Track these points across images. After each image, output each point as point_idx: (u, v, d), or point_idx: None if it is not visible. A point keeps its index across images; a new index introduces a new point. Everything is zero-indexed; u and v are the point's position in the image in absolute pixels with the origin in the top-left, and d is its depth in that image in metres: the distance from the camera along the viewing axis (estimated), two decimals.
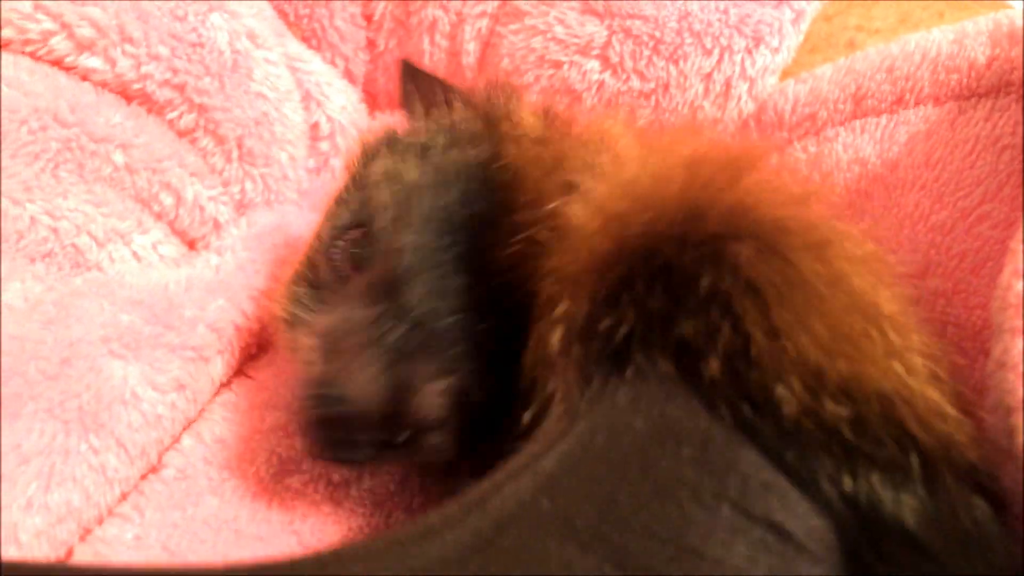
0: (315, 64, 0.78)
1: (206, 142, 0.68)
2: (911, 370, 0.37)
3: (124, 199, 0.64)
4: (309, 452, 0.50)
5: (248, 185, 0.72)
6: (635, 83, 0.70)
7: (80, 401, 0.51)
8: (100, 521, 0.51)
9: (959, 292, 0.53)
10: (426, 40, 0.79)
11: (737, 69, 0.68)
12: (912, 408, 0.35)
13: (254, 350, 0.64)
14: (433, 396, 0.45)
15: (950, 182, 0.56)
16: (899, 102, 0.61)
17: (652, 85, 0.70)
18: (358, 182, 0.56)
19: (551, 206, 0.45)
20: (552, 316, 0.40)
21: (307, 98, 0.77)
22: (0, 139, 0.58)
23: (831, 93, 0.64)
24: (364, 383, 0.45)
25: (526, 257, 0.45)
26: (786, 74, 0.70)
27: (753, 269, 0.36)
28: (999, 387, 0.40)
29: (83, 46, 0.61)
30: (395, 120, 0.67)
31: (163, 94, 0.64)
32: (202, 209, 0.69)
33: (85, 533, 0.50)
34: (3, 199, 0.58)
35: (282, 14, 0.78)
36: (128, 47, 0.62)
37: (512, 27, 0.75)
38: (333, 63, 0.81)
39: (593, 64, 0.71)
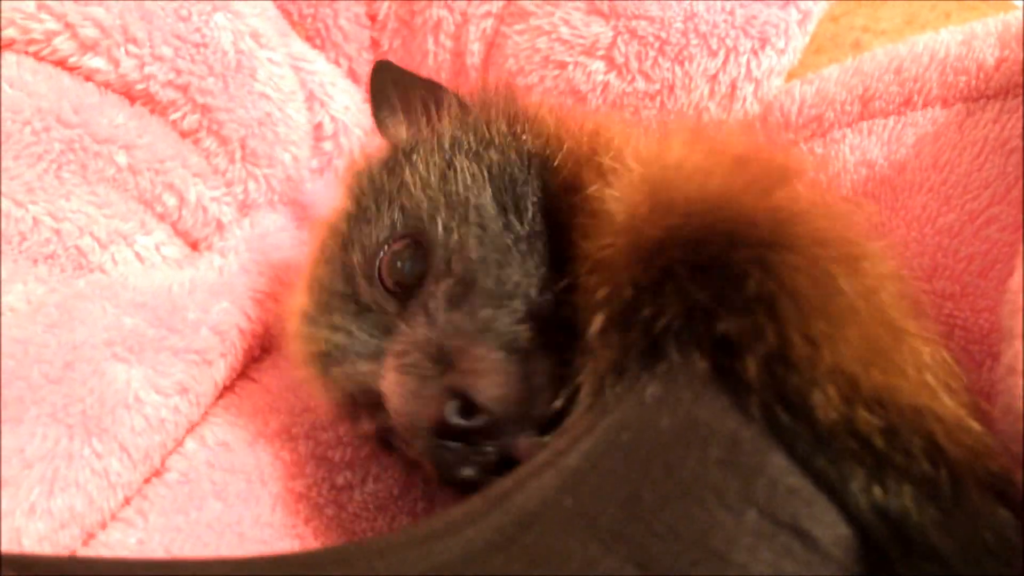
0: (319, 64, 0.78)
1: (209, 143, 0.68)
2: (941, 383, 0.37)
3: (127, 200, 0.64)
4: (439, 478, 0.48)
5: (251, 186, 0.71)
6: (640, 84, 0.70)
7: (83, 405, 0.51)
8: (103, 526, 0.51)
9: (966, 295, 0.53)
10: (430, 40, 0.78)
11: (743, 70, 0.67)
12: (942, 422, 0.35)
13: (257, 352, 0.64)
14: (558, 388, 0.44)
15: (958, 184, 0.55)
16: (907, 104, 0.60)
17: (657, 86, 0.70)
18: (383, 195, 0.52)
19: (591, 190, 0.45)
20: (594, 300, 0.40)
21: (311, 98, 0.77)
22: (3, 140, 0.58)
23: (838, 94, 0.64)
24: (498, 388, 0.43)
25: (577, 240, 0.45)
26: (792, 75, 0.70)
27: (798, 278, 0.36)
28: (1009, 392, 0.40)
29: (87, 46, 0.61)
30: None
31: (166, 95, 0.64)
32: (205, 210, 0.69)
33: (88, 538, 0.50)
34: (6, 200, 0.57)
35: (286, 14, 0.77)
36: (132, 47, 0.62)
37: (517, 27, 0.74)
38: (337, 63, 0.81)
39: (598, 65, 0.71)
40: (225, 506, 0.52)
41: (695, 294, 0.37)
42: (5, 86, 0.59)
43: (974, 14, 0.67)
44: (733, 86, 0.68)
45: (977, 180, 0.54)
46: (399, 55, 0.81)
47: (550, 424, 0.41)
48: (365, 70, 0.83)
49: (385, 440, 0.52)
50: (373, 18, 0.80)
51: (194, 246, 0.70)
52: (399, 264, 0.49)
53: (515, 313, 0.45)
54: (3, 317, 0.55)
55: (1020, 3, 0.68)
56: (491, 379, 0.43)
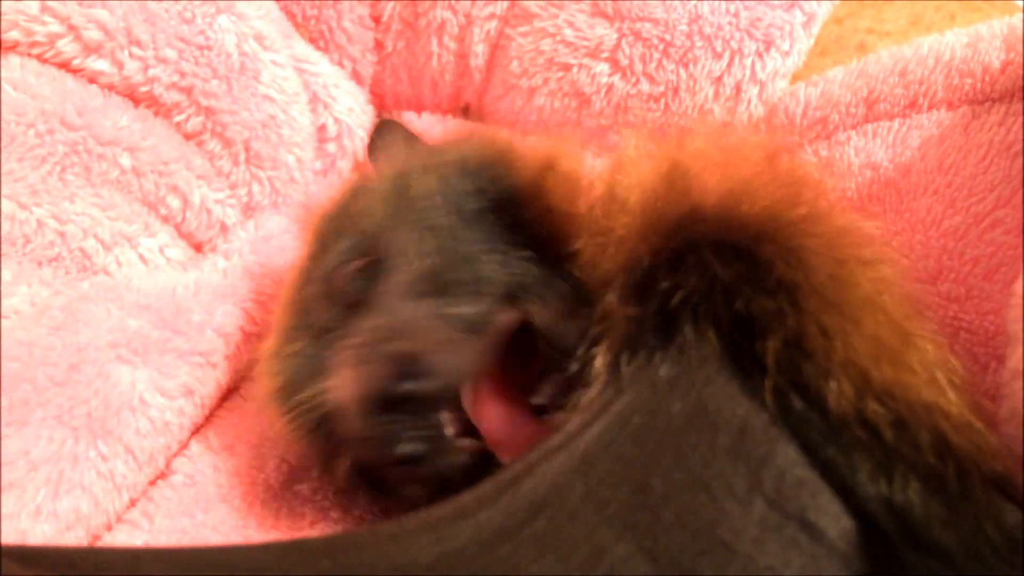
0: (322, 66, 0.78)
1: (213, 145, 0.68)
2: (949, 379, 0.37)
3: (131, 202, 0.64)
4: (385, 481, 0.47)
5: (255, 188, 0.71)
6: (644, 86, 0.70)
7: (88, 407, 0.51)
8: (108, 528, 0.51)
9: (971, 297, 0.53)
10: (434, 42, 0.78)
11: (747, 73, 0.67)
12: (949, 418, 0.35)
13: None
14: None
15: (963, 187, 0.55)
16: (912, 106, 0.60)
17: (661, 88, 0.70)
18: (335, 228, 0.52)
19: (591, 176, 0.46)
20: (611, 271, 0.40)
21: (314, 100, 0.77)
22: (7, 142, 0.58)
23: (843, 97, 0.64)
24: (453, 356, 0.43)
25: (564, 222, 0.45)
26: (796, 77, 0.70)
27: (819, 276, 0.37)
28: (1015, 396, 0.40)
29: (90, 49, 0.61)
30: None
31: (170, 97, 0.64)
32: (209, 212, 0.69)
33: (94, 540, 0.50)
34: (10, 203, 0.57)
35: (289, 15, 0.77)
36: (135, 50, 0.62)
37: (521, 29, 0.74)
38: (340, 64, 0.81)
39: (602, 67, 0.71)
40: (231, 509, 0.52)
41: (717, 270, 0.37)
42: (9, 88, 0.59)
43: (978, 15, 0.68)
44: (738, 88, 0.68)
45: (982, 183, 0.54)
46: (403, 57, 0.81)
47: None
48: (369, 72, 0.83)
49: (359, 477, 0.50)
50: (377, 20, 0.80)
51: (198, 248, 0.70)
52: (355, 281, 0.48)
53: (478, 301, 0.44)
54: (8, 320, 0.55)
55: (1022, 3, 0.68)
56: (446, 348, 0.43)
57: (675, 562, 0.31)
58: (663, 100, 0.70)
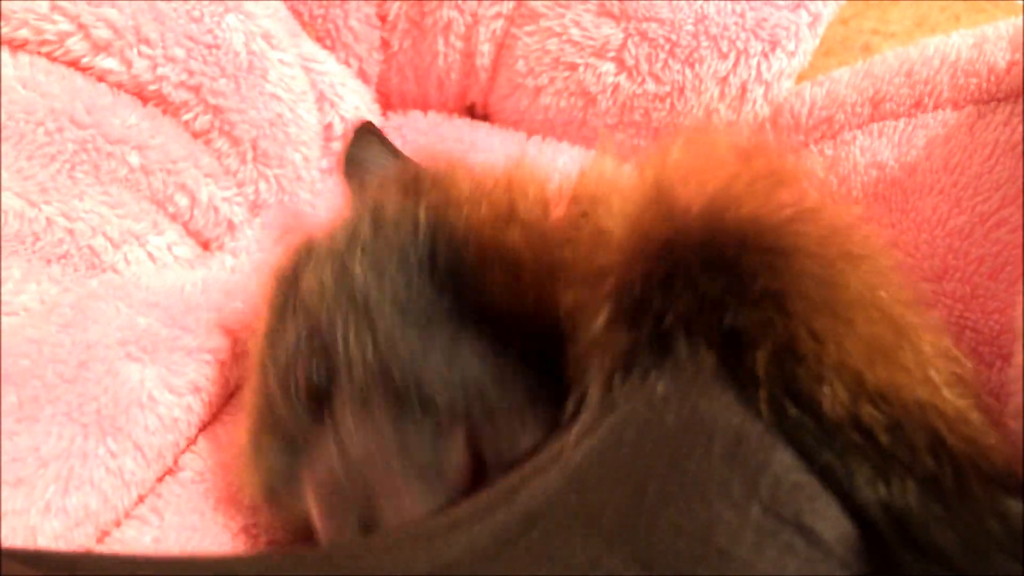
0: (329, 64, 0.78)
1: (221, 143, 0.68)
2: (943, 380, 0.37)
3: (139, 200, 0.64)
4: None
5: (262, 186, 0.72)
6: (650, 86, 0.70)
7: (98, 404, 0.51)
8: (118, 524, 0.51)
9: (977, 297, 0.53)
10: (440, 41, 0.78)
11: (753, 73, 0.68)
12: (944, 417, 0.35)
13: None
14: None
15: (968, 186, 0.55)
16: (917, 106, 0.61)
17: (667, 88, 0.70)
18: (287, 311, 0.49)
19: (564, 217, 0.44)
20: (597, 305, 0.39)
21: (321, 99, 0.77)
22: (16, 140, 0.58)
23: (848, 96, 0.64)
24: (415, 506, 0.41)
25: (534, 285, 0.43)
26: (801, 77, 0.70)
27: (806, 279, 0.37)
28: (1021, 393, 0.40)
29: (99, 47, 0.61)
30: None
31: (179, 95, 0.64)
32: (216, 210, 0.69)
33: (103, 536, 0.50)
34: (20, 200, 0.58)
35: (296, 14, 0.78)
36: (144, 48, 0.62)
37: (527, 29, 0.74)
38: (347, 63, 0.81)
39: (608, 66, 0.71)
40: (240, 507, 0.52)
41: (705, 287, 0.37)
42: (18, 87, 0.59)
43: (983, 16, 0.68)
44: (743, 88, 0.68)
45: (988, 182, 0.55)
46: (409, 56, 0.81)
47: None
48: (375, 71, 0.83)
49: None
50: (383, 19, 0.80)
51: (205, 246, 0.70)
52: (309, 378, 0.46)
53: (430, 423, 0.42)
54: (17, 317, 0.55)
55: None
56: (402, 500, 0.41)
57: (671, 569, 0.31)
58: (669, 100, 0.70)
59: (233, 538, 0.51)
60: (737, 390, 0.35)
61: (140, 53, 0.62)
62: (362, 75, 0.82)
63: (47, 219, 0.59)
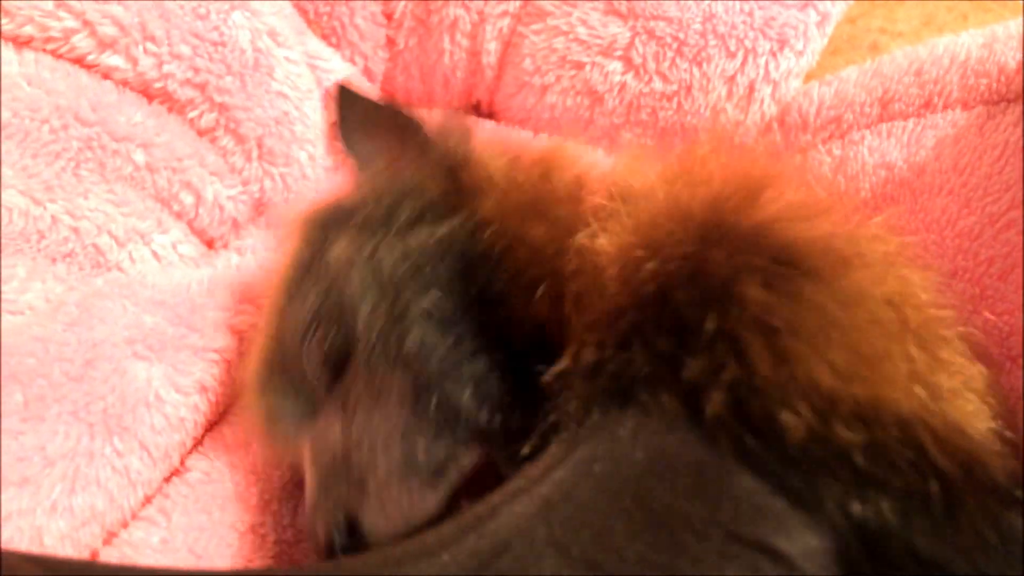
0: (334, 62, 0.78)
1: (226, 141, 0.68)
2: (934, 391, 0.36)
3: (144, 198, 0.64)
4: None
5: (267, 184, 0.71)
6: (657, 85, 0.70)
7: (105, 403, 0.51)
8: (124, 524, 0.51)
9: (986, 298, 0.53)
10: (446, 39, 0.78)
11: (761, 72, 0.68)
12: (932, 431, 0.34)
13: None
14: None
15: (978, 187, 0.55)
16: (927, 106, 0.60)
17: (675, 87, 0.70)
18: (312, 271, 0.50)
19: (576, 239, 0.44)
20: (561, 357, 0.40)
21: (326, 97, 0.77)
22: (21, 138, 0.58)
23: (857, 96, 0.64)
24: (386, 521, 0.42)
25: (548, 304, 0.43)
26: (808, 77, 0.70)
27: (760, 306, 0.36)
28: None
29: (105, 44, 0.61)
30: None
31: (184, 93, 0.64)
32: (221, 208, 0.69)
33: (109, 536, 0.50)
34: (25, 198, 0.57)
35: (302, 11, 0.77)
36: (150, 45, 0.62)
37: (534, 27, 0.74)
38: (352, 61, 0.81)
39: (616, 65, 0.71)
40: (247, 506, 0.52)
41: (659, 345, 0.37)
42: (23, 84, 0.59)
43: (990, 16, 0.68)
44: (751, 87, 0.68)
45: (998, 183, 0.54)
46: (415, 54, 0.81)
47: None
48: (380, 69, 0.83)
49: None
50: (389, 16, 0.80)
51: (209, 244, 0.70)
52: (325, 347, 0.47)
53: (434, 430, 0.43)
54: (23, 316, 0.55)
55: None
56: (382, 511, 0.42)
57: None
58: (676, 99, 0.70)
59: (241, 538, 0.51)
60: (698, 428, 0.35)
61: (146, 50, 0.62)
62: (367, 73, 0.82)
63: (52, 217, 0.59)
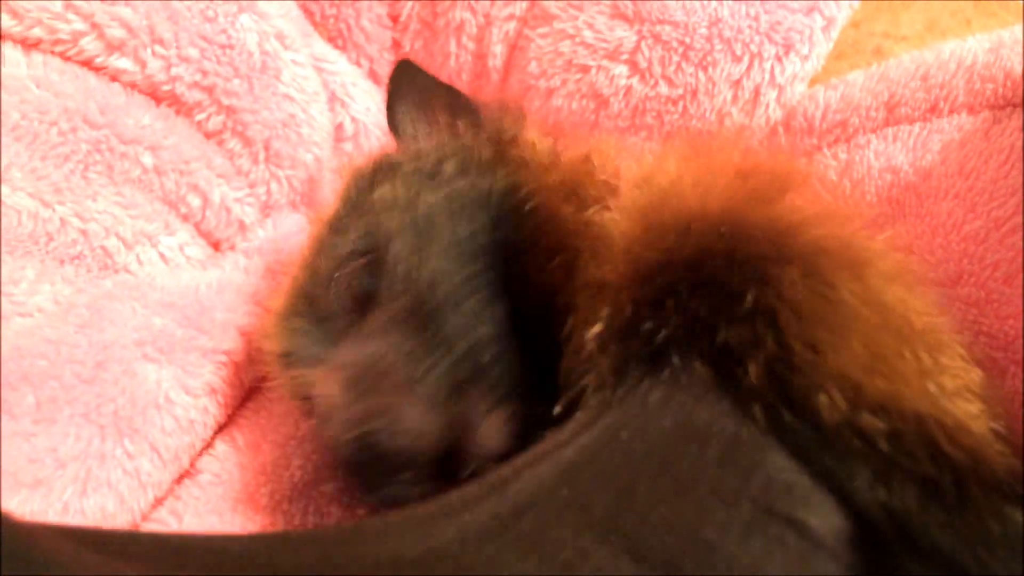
0: (340, 65, 0.78)
1: (234, 144, 0.68)
2: (942, 389, 0.37)
3: (152, 201, 0.64)
4: (357, 494, 0.49)
5: (274, 186, 0.72)
6: (663, 89, 0.70)
7: (115, 405, 0.51)
8: (135, 526, 0.51)
9: (991, 302, 0.53)
10: (452, 42, 0.78)
11: (766, 76, 0.68)
12: (943, 427, 0.35)
13: None
14: (497, 428, 0.45)
15: (984, 192, 0.56)
16: (933, 110, 0.61)
17: (680, 91, 0.70)
18: (357, 208, 0.54)
19: (587, 214, 0.45)
20: (593, 317, 0.40)
21: (332, 99, 0.77)
22: (30, 140, 0.58)
23: (863, 100, 0.64)
24: (416, 421, 0.43)
25: (562, 274, 0.45)
26: (813, 81, 0.70)
27: (796, 292, 0.37)
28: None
29: (113, 47, 0.61)
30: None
31: (192, 95, 0.64)
32: (228, 211, 0.69)
33: None
34: (33, 200, 0.57)
35: (308, 14, 0.77)
36: (158, 48, 0.62)
37: (540, 30, 0.74)
38: (358, 63, 0.81)
39: (621, 69, 0.71)
40: (258, 507, 0.52)
41: (695, 308, 0.37)
42: (32, 86, 0.59)
43: (994, 20, 0.68)
44: (756, 92, 0.68)
45: (1003, 187, 0.55)
46: (421, 56, 0.81)
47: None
48: (386, 71, 0.83)
49: None
50: (395, 19, 0.80)
51: (216, 246, 0.70)
52: (356, 281, 0.50)
53: (454, 359, 0.45)
54: (32, 318, 0.55)
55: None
56: (411, 413, 0.44)
57: (660, 562, 0.31)
58: (682, 103, 0.70)
59: None
60: (732, 398, 0.36)
61: (154, 53, 0.62)
62: (373, 76, 0.82)
63: (61, 219, 0.59)
